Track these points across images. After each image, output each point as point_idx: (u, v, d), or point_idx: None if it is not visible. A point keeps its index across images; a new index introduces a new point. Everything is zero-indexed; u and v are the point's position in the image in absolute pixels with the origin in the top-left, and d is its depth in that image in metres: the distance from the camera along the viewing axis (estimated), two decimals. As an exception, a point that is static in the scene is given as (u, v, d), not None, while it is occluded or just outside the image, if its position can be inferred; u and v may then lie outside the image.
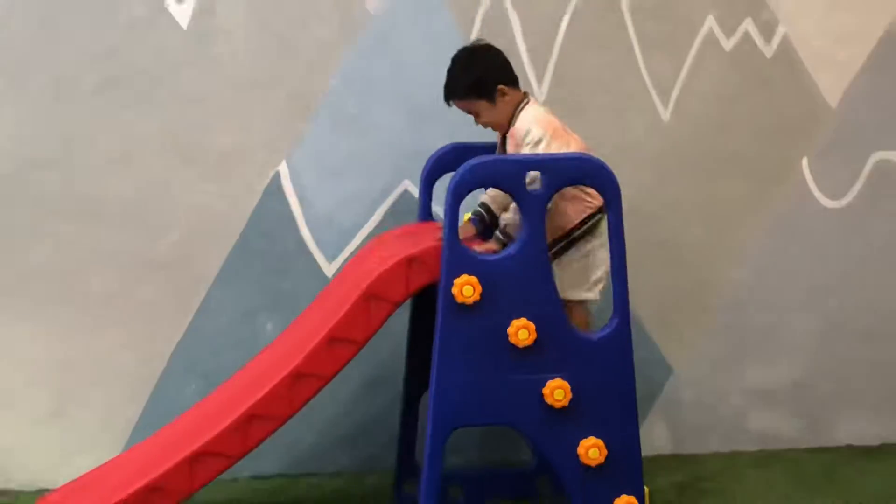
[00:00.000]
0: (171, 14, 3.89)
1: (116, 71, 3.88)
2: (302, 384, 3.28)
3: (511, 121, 3.48)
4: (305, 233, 4.02)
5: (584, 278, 3.44)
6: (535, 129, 3.40)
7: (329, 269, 4.02)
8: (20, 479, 3.89)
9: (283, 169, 3.99)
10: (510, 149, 3.49)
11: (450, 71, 3.48)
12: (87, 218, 3.92)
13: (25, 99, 3.86)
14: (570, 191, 3.38)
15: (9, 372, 3.92)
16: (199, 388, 3.93)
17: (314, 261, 4.02)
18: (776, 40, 4.18)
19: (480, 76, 3.44)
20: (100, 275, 3.94)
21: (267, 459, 3.91)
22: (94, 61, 3.87)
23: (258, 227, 4.00)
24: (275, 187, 3.99)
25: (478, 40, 3.54)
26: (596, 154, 3.41)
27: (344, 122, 3.98)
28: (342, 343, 3.28)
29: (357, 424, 4.06)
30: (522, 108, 3.47)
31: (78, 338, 3.95)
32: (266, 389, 3.29)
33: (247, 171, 3.97)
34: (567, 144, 3.40)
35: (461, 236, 3.35)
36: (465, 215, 3.56)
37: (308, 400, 3.30)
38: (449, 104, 3.48)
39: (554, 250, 3.40)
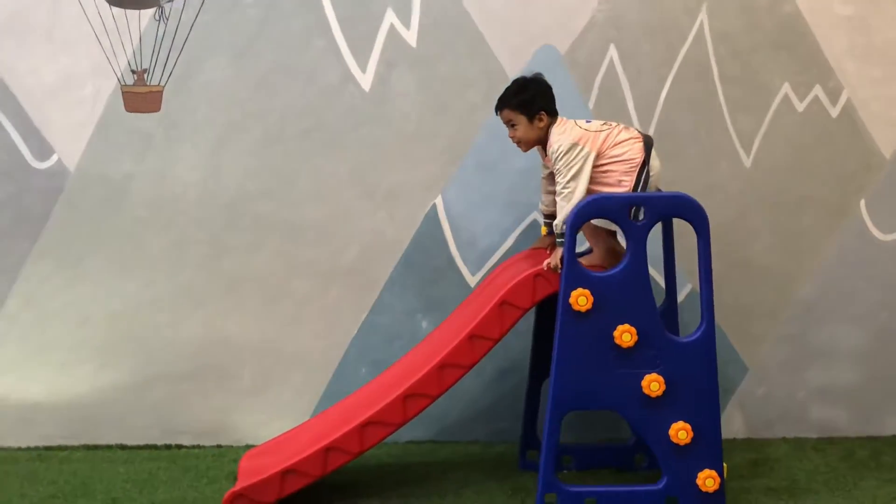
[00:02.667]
0: (356, 81, 3.87)
1: (313, 123, 3.91)
2: (449, 371, 3.28)
3: (546, 142, 3.35)
4: (454, 251, 3.97)
5: None
6: (560, 141, 3.27)
7: (472, 280, 3.96)
8: (232, 437, 3.94)
9: (439, 201, 3.95)
10: (550, 164, 3.37)
11: (508, 88, 3.40)
12: (291, 236, 3.93)
13: (247, 144, 3.90)
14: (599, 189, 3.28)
15: (228, 353, 3.94)
16: (369, 371, 3.92)
17: (460, 274, 3.97)
18: (840, 103, 4.00)
19: (531, 97, 3.34)
20: (299, 280, 3.94)
21: (420, 428, 3.90)
22: (297, 116, 3.89)
23: (418, 246, 3.96)
24: (432, 215, 3.95)
25: (536, 74, 3.43)
26: (683, 184, 3.49)
27: (486, 165, 3.94)
28: (481, 339, 3.28)
29: (491, 404, 4.00)
30: (552, 126, 3.34)
31: (281, 328, 3.96)
32: (421, 374, 3.29)
33: (411, 203, 3.95)
34: (590, 142, 3.25)
35: (540, 245, 3.42)
36: (543, 229, 3.53)
37: (454, 383, 3.30)
38: (497, 113, 3.39)
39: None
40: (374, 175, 3.92)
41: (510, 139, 3.42)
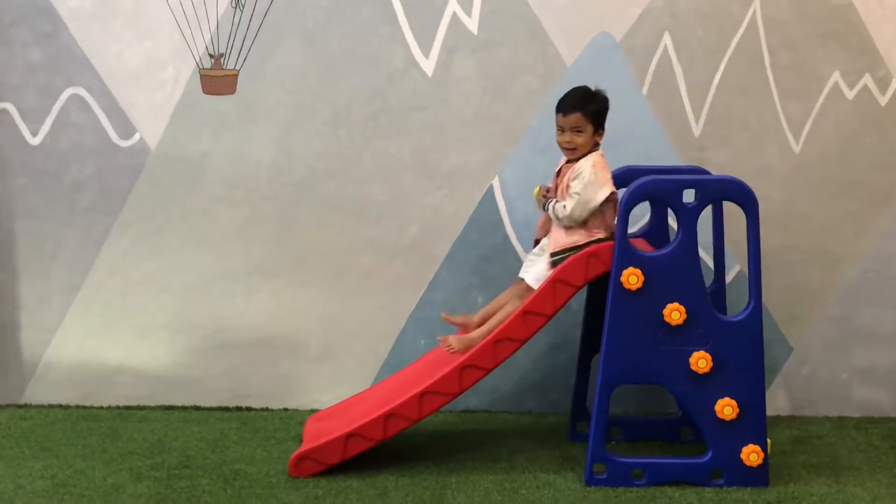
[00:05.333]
0: (420, 66, 3.85)
1: (378, 107, 3.89)
2: (503, 345, 3.25)
3: (581, 157, 3.30)
4: (509, 230, 3.91)
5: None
6: (586, 169, 3.23)
7: (526, 258, 3.74)
8: (298, 401, 3.94)
9: (496, 182, 3.91)
10: (564, 175, 3.31)
11: (585, 90, 3.31)
12: (355, 214, 3.92)
13: (315, 125, 3.88)
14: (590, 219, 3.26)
15: (295, 322, 3.94)
16: (427, 343, 3.89)
17: (514, 252, 3.91)
18: (890, 92, 3.89)
19: (602, 109, 3.30)
20: (362, 256, 3.93)
21: (475, 398, 3.88)
22: (363, 99, 3.88)
23: (475, 225, 3.92)
24: (489, 196, 3.91)
25: (601, 89, 3.35)
26: (733, 168, 3.49)
27: (541, 148, 3.84)
28: (534, 316, 3.24)
29: (543, 376, 3.95)
30: (591, 152, 3.29)
31: (345, 301, 3.95)
32: (477, 347, 3.27)
33: (469, 184, 3.91)
34: (601, 186, 3.22)
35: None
36: (536, 189, 3.41)
37: (507, 357, 3.27)
38: (562, 113, 3.28)
39: (556, 258, 3.28)
40: (434, 156, 3.89)
41: (560, 143, 3.30)
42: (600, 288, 3.34)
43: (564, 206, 3.22)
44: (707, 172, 3.60)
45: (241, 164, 3.89)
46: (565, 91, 3.68)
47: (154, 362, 3.94)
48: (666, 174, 3.37)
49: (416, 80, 3.86)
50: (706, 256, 3.65)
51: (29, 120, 3.85)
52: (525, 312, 3.22)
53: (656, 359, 3.19)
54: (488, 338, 3.25)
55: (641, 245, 3.39)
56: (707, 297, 3.21)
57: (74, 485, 3.13)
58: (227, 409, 3.93)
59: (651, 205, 3.61)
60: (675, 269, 3.18)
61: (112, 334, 3.94)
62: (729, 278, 3.79)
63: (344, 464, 3.25)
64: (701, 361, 3.17)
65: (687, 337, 3.18)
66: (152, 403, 3.94)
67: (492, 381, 3.60)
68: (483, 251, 3.93)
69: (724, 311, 3.50)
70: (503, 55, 3.85)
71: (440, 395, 3.24)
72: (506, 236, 3.93)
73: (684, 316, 3.16)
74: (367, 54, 3.86)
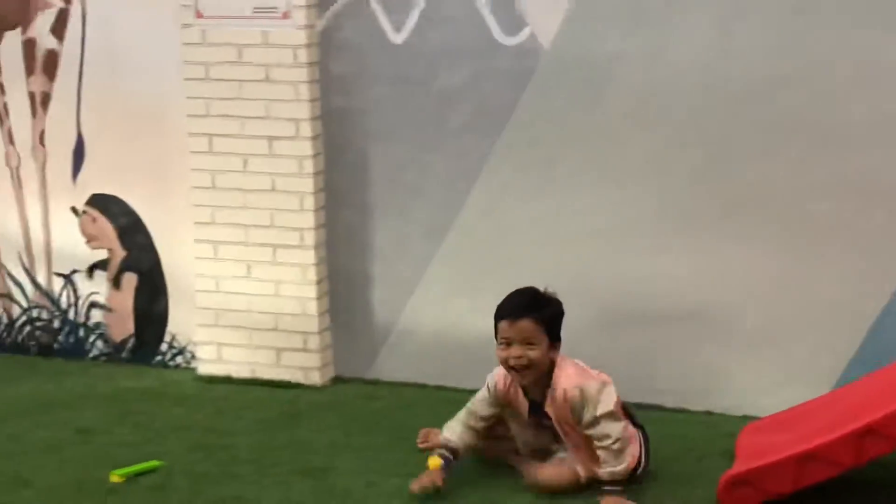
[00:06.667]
0: None
1: None
2: None
3: (547, 381, 3.14)
4: None
5: None
6: (592, 395, 3.10)
7: None
8: (725, 402, 3.65)
9: None
10: (559, 410, 3.14)
11: (521, 296, 3.23)
12: (821, 141, 3.51)
13: (767, 13, 3.51)
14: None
15: (725, 293, 3.65)
16: None
17: None
18: None
19: (557, 317, 3.20)
20: (828, 201, 3.54)
21: None
22: None
23: None
24: None
25: (554, 293, 3.23)
26: None
27: None
28: None
29: None
30: (557, 367, 3.16)
31: (798, 266, 3.59)
32: None
33: None
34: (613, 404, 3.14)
35: (428, 482, 3.13)
36: (432, 461, 3.20)
37: None
38: (504, 322, 3.15)
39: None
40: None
41: (505, 360, 3.14)
42: None
43: (615, 467, 3.10)
44: None
45: (659, 69, 3.62)
46: None
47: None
48: None
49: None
50: None
51: (392, 10, 3.78)
52: None
53: None
54: None
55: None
56: None
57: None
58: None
59: None
60: None
61: (483, 295, 3.74)
62: None
63: (795, 496, 2.95)
64: None
65: None
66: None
67: None
68: None
69: None
70: None
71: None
72: None
73: None
74: None
